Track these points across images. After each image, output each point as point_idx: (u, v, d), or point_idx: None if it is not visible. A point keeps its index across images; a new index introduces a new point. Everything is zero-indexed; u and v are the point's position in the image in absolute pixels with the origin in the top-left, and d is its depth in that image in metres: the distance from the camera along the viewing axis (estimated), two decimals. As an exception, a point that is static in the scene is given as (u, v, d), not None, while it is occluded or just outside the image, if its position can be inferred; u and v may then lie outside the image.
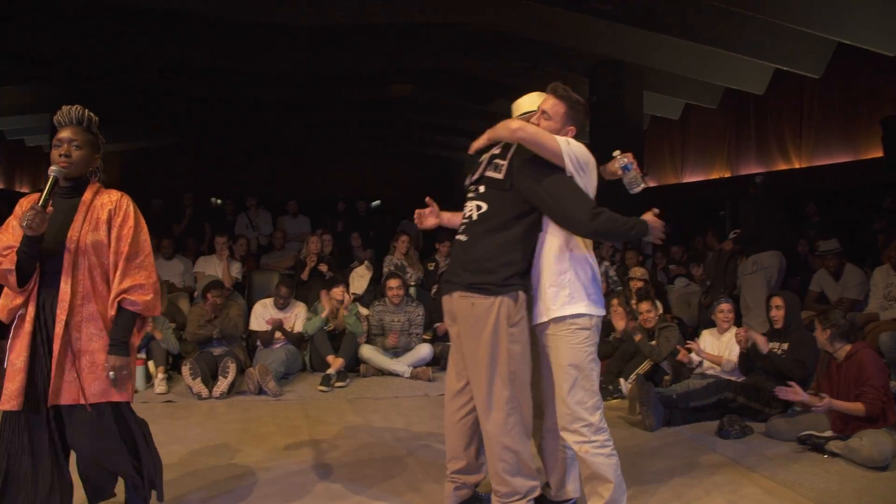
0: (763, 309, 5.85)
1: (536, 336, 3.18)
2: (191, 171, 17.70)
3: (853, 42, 8.43)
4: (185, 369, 5.59)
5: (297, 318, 6.63)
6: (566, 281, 3.06)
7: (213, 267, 7.59)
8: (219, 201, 13.14)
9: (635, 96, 11.39)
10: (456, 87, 13.88)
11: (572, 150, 3.03)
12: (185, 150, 18.55)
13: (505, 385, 3.04)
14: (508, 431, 3.05)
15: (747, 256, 7.13)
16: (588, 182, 3.11)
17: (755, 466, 4.07)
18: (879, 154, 8.64)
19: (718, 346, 5.55)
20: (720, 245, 8.06)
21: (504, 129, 3.06)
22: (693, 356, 5.56)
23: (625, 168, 3.19)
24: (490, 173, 3.21)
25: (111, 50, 10.19)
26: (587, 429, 3.03)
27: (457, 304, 3.16)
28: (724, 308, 5.61)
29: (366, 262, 8.53)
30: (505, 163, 3.16)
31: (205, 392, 5.52)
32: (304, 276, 7.85)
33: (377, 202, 16.94)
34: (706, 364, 5.52)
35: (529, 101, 3.30)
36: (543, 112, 3.16)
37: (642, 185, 3.18)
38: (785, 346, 5.06)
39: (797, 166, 10.32)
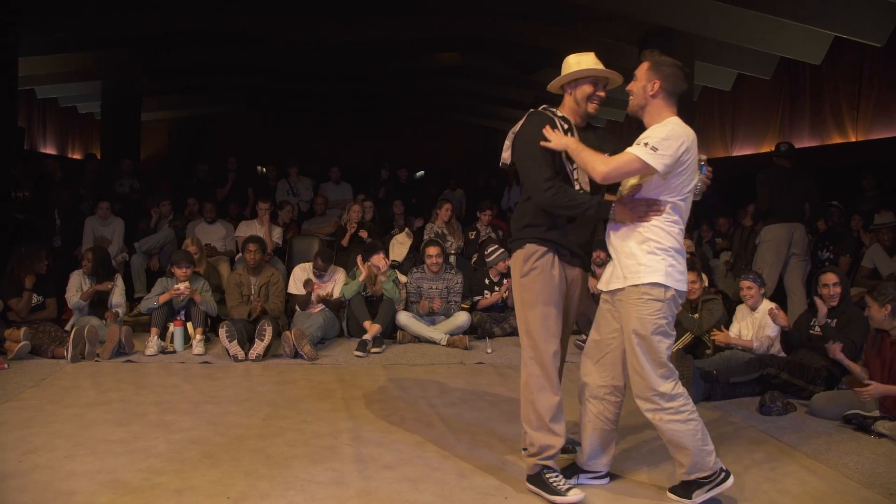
0: (773, 281, 5.69)
1: (610, 302, 3.18)
2: (237, 138, 17.85)
3: (919, 8, 8.03)
4: (222, 331, 5.63)
5: (336, 283, 6.64)
6: (645, 250, 2.99)
7: (255, 232, 7.63)
8: (263, 170, 13.22)
9: (686, 66, 11.00)
10: (502, 55, 13.68)
11: (659, 154, 2.89)
12: (234, 119, 18.73)
13: (523, 336, 3.25)
14: (526, 383, 3.22)
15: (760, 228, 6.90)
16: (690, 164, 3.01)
17: (797, 444, 3.94)
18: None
19: (752, 322, 5.39)
20: (742, 220, 7.83)
21: (594, 174, 3.01)
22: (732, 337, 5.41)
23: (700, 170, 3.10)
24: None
25: (163, 19, 10.27)
26: (658, 397, 2.99)
27: None
28: (744, 285, 5.44)
29: (406, 230, 8.50)
30: (509, 143, 3.35)
31: (241, 354, 5.56)
32: (345, 242, 7.86)
33: (421, 172, 16.86)
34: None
35: (577, 61, 3.28)
36: (634, 76, 3.16)
37: (699, 196, 3.12)
38: (833, 322, 4.88)
39: (853, 139, 9.94)
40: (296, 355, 5.68)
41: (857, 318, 4.84)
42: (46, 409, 4.27)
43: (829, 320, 4.92)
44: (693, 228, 9.08)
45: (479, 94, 17.90)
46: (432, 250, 6.84)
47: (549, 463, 3.14)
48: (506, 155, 3.34)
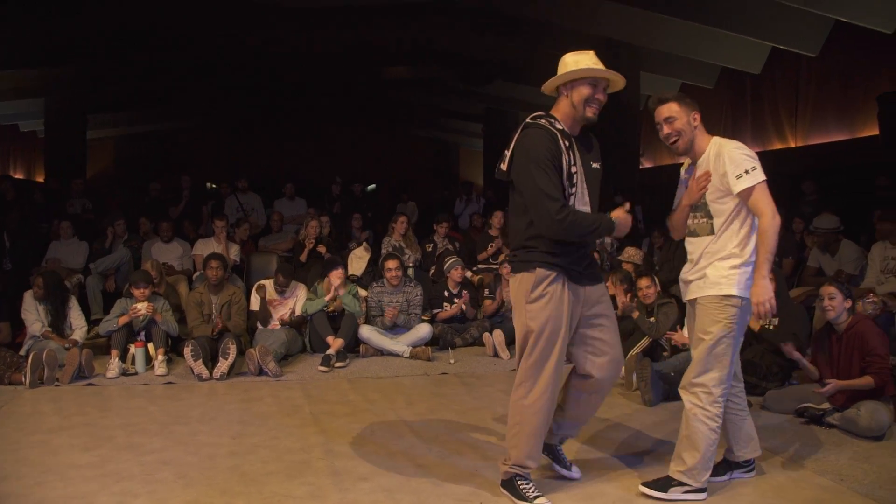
0: None
1: (691, 311, 3.37)
2: (188, 155, 17.66)
3: (850, 20, 8.42)
4: (187, 350, 5.61)
5: (298, 300, 6.66)
6: (729, 264, 3.19)
7: (212, 250, 7.58)
8: (213, 185, 13.11)
9: (631, 77, 11.33)
10: (453, 68, 13.84)
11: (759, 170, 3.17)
12: (183, 135, 18.53)
13: (525, 361, 3.17)
14: (519, 405, 3.21)
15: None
16: None
17: (753, 440, 4.10)
18: (876, 132, 8.64)
19: None
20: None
21: (776, 228, 3.14)
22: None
23: None
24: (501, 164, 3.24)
25: (105, 35, 10.15)
26: (705, 395, 3.16)
27: None
28: None
29: (364, 244, 8.55)
30: (508, 153, 3.19)
31: (206, 373, 5.54)
32: (303, 257, 7.89)
33: (373, 186, 16.92)
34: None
35: (574, 60, 3.17)
36: (666, 119, 3.26)
37: None
38: (776, 321, 5.09)
39: (793, 145, 10.33)
40: (260, 372, 5.68)
41: (796, 314, 5.08)
42: (10, 436, 4.21)
43: (770, 319, 5.12)
44: (645, 235, 9.32)
45: (430, 106, 18.03)
46: (391, 264, 6.90)
47: (522, 471, 3.22)
48: (503, 166, 3.21)
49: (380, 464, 3.70)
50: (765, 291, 3.08)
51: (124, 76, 13.00)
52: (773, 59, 10.70)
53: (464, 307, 7.09)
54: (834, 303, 4.40)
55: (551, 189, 3.03)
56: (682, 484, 3.21)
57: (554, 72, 3.21)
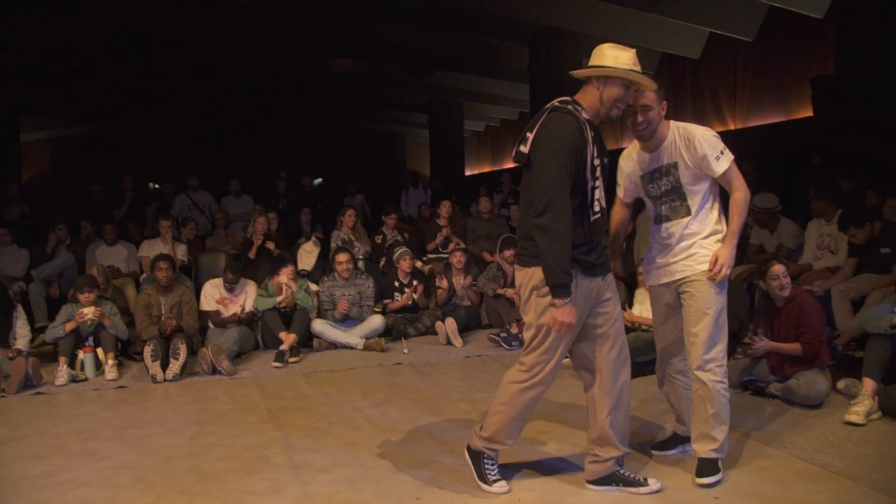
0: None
1: (666, 294, 3.42)
2: (127, 156, 17.29)
3: (783, 5, 8.67)
4: (147, 350, 5.55)
5: (248, 296, 6.61)
6: (715, 239, 3.28)
7: (158, 251, 7.49)
8: (156, 186, 12.86)
9: (574, 63, 11.51)
10: (396, 60, 13.82)
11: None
12: (121, 135, 18.13)
13: (533, 349, 3.13)
14: (511, 391, 3.21)
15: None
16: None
17: (701, 413, 4.24)
18: (810, 114, 8.94)
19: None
20: None
21: (746, 202, 3.28)
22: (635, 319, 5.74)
23: None
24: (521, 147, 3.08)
25: (35, 37, 9.88)
26: (718, 368, 3.26)
27: None
28: (640, 270, 5.78)
29: (313, 238, 8.53)
30: (531, 136, 3.02)
31: (160, 375, 5.48)
32: (252, 254, 7.83)
33: (319, 180, 16.82)
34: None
35: (615, 56, 3.03)
36: (643, 107, 3.21)
37: None
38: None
39: (732, 128, 10.60)
40: (214, 371, 5.64)
41: (738, 295, 5.26)
42: (-43, 449, 4.12)
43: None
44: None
45: (374, 99, 17.97)
46: (342, 257, 6.90)
47: (490, 453, 3.25)
48: (523, 149, 3.03)
49: (338, 455, 3.73)
50: (730, 256, 3.21)
51: (57, 77, 12.65)
52: (711, 45, 10.97)
53: (415, 297, 7.14)
54: (787, 280, 4.58)
55: (561, 178, 2.89)
56: (717, 461, 3.31)
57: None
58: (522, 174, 3.13)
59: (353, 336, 6.51)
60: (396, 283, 7.26)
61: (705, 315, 3.23)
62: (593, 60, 3.06)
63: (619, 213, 3.64)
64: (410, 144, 22.67)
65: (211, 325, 6.46)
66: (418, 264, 7.78)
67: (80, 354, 5.74)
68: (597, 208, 3.03)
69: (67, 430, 4.39)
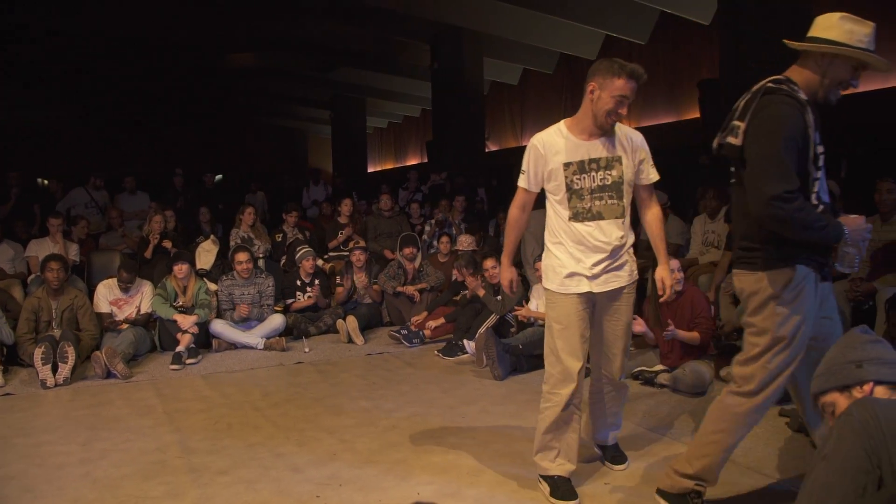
0: (531, 265, 6.44)
1: (606, 301, 3.14)
2: (12, 150, 16.43)
3: (673, 11, 9.11)
4: (38, 353, 5.32)
5: (144, 297, 6.45)
6: (631, 249, 3.15)
7: (47, 250, 7.19)
8: (45, 182, 12.27)
9: (475, 62, 11.72)
10: (299, 55, 13.68)
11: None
12: (5, 129, 17.21)
13: (759, 361, 2.79)
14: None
15: None
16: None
17: (592, 404, 4.45)
18: (698, 115, 9.42)
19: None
20: None
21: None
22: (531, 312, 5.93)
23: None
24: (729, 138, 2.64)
25: None
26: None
27: None
28: (538, 266, 5.98)
29: (212, 236, 8.36)
30: (742, 125, 2.59)
31: (50, 380, 5.28)
32: (148, 254, 7.63)
33: (219, 176, 16.45)
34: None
35: (850, 30, 2.54)
36: (626, 98, 2.97)
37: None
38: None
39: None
40: (108, 375, 5.49)
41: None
42: None
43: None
44: (490, 218, 9.68)
45: (276, 94, 17.72)
46: (242, 256, 6.82)
47: (701, 487, 2.87)
48: (734, 140, 2.59)
49: (238, 456, 3.72)
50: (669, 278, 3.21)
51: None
52: (607, 46, 11.41)
53: (311, 295, 7.13)
54: (681, 274, 4.85)
55: (783, 166, 2.46)
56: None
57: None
58: (733, 170, 2.70)
59: (253, 336, 6.46)
60: (298, 283, 7.23)
61: (628, 326, 3.23)
62: (819, 32, 2.59)
63: (527, 206, 3.26)
64: (312, 141, 22.46)
65: (105, 326, 6.26)
66: (319, 262, 7.76)
67: (-37, 361, 5.48)
68: (816, 202, 2.58)
69: (-51, 440, 4.20)
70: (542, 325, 5.74)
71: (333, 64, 13.45)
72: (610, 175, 3.03)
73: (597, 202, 3.02)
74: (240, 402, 4.77)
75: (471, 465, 3.53)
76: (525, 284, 6.30)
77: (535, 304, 5.97)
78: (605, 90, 2.95)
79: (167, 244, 7.70)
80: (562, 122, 3.10)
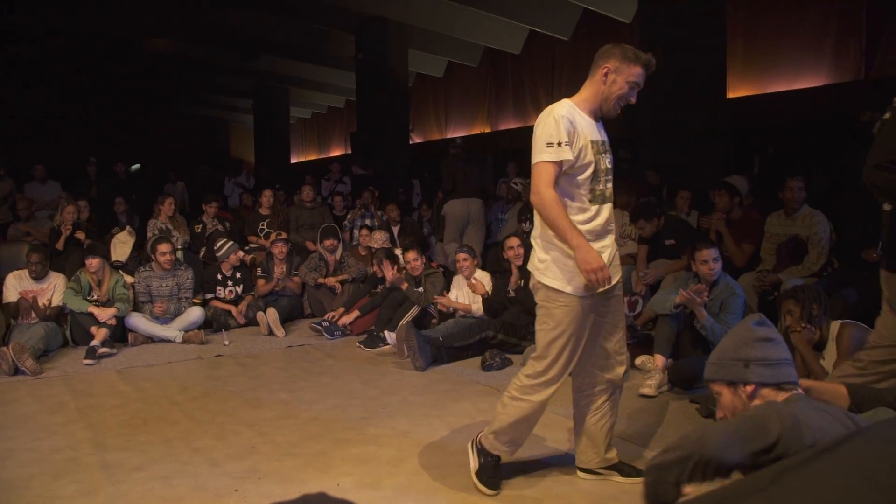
0: (453, 250, 6.72)
1: (604, 300, 3.00)
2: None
3: (596, 9, 9.31)
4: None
5: (56, 289, 6.23)
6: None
7: (-50, 241, 6.89)
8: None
9: (400, 54, 11.71)
10: (220, 43, 13.40)
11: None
12: None
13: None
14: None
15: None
16: None
17: (512, 393, 4.53)
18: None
19: (468, 291, 6.01)
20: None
21: None
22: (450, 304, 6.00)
23: None
24: None
25: None
26: None
27: None
28: (459, 257, 6.09)
29: (128, 227, 8.14)
30: None
31: (-51, 378, 5.06)
32: (60, 245, 7.37)
33: (137, 165, 15.97)
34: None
35: None
36: (636, 85, 2.93)
37: None
38: (522, 282, 5.63)
39: (549, 121, 11.21)
40: (16, 372, 5.28)
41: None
42: None
43: (520, 282, 5.66)
44: (415, 209, 9.71)
45: (196, 82, 17.31)
46: (164, 247, 6.64)
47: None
48: None
49: (154, 452, 3.65)
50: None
51: None
52: (531, 41, 11.58)
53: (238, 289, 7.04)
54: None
55: None
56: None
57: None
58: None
59: (170, 329, 6.32)
60: (219, 276, 7.10)
61: (624, 317, 3.17)
62: None
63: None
64: (234, 130, 22.05)
65: (13, 321, 6.02)
66: (240, 254, 7.63)
67: None
68: None
69: None
70: (463, 317, 5.83)
71: (256, 53, 13.21)
72: (612, 160, 3.02)
73: (609, 185, 2.97)
74: (156, 397, 4.67)
75: (391, 455, 3.55)
76: (448, 275, 6.35)
77: (455, 295, 6.04)
78: (621, 74, 2.89)
79: (80, 235, 7.45)
80: (566, 100, 2.96)
